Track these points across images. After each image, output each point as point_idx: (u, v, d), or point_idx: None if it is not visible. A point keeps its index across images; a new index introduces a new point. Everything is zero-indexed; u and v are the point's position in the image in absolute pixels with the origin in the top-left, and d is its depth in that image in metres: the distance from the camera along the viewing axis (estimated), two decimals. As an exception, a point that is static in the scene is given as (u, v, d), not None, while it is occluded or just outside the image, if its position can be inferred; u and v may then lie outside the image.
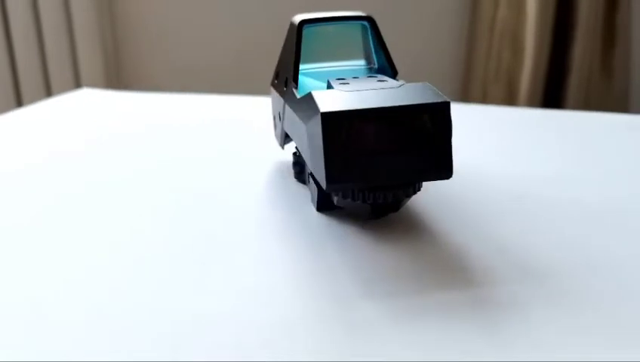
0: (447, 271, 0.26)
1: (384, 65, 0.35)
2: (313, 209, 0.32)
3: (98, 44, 1.30)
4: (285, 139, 0.36)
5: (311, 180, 0.32)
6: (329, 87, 0.30)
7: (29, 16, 1.24)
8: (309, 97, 0.28)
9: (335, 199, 0.29)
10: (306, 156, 0.30)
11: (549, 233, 0.30)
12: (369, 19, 0.34)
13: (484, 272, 0.26)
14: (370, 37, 0.35)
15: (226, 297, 0.24)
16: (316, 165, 0.27)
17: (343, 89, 0.28)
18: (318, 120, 0.26)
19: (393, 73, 0.34)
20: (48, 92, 1.30)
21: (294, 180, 0.36)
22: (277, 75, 0.36)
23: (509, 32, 1.42)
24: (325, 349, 0.21)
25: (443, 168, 0.27)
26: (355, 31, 0.36)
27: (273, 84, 0.37)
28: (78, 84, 1.31)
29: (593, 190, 0.35)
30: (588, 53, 1.42)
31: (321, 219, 0.31)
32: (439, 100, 0.26)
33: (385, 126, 0.26)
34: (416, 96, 0.27)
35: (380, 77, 0.31)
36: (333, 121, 0.26)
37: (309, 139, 0.28)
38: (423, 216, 0.31)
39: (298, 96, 0.31)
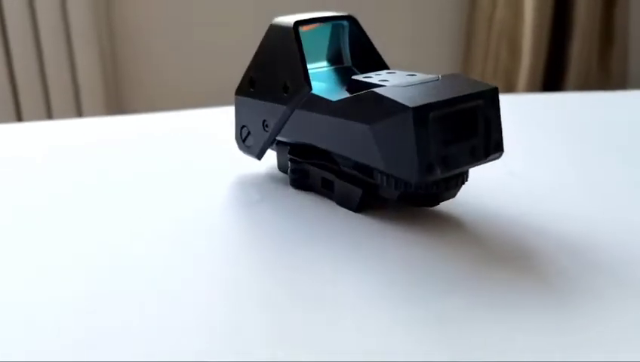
0: (508, 261, 0.27)
1: (369, 64, 0.35)
2: (344, 211, 0.32)
3: (96, 51, 1.30)
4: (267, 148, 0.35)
5: (338, 182, 0.32)
6: (360, 85, 0.30)
7: (27, 21, 1.24)
8: (370, 96, 0.28)
9: (395, 194, 0.30)
10: (361, 157, 0.30)
11: (582, 219, 0.31)
12: (350, 18, 0.35)
13: (543, 260, 0.27)
14: (347, 36, 0.35)
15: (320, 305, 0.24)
16: (394, 162, 0.28)
17: (394, 85, 0.29)
18: (404, 116, 0.27)
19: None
20: (47, 100, 1.30)
21: (289, 187, 0.35)
22: (251, 82, 0.35)
23: (506, 32, 1.43)
24: (406, 348, 0.21)
25: (498, 148, 0.29)
26: (333, 31, 0.35)
27: (247, 93, 0.35)
28: (76, 93, 1.31)
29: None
30: (585, 53, 1.42)
31: (360, 219, 0.31)
32: (491, 87, 0.29)
33: (457, 115, 0.28)
34: (468, 85, 0.29)
35: (403, 72, 0.32)
36: (422, 115, 0.27)
37: (380, 138, 0.28)
38: (453, 209, 0.32)
39: (331, 99, 0.30)
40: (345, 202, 0.32)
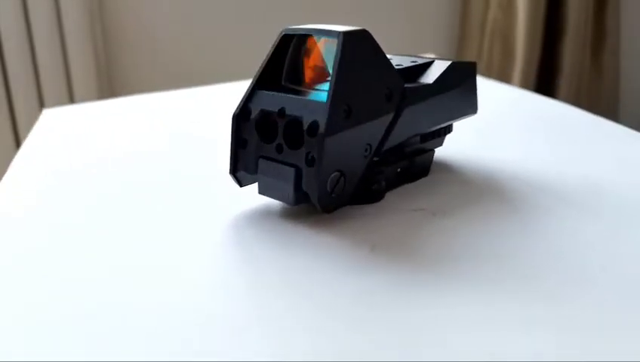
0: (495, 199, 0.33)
1: None
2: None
3: (90, 51, 1.30)
4: None
5: (411, 161, 0.35)
6: (413, 69, 0.35)
7: (20, 20, 1.24)
8: (455, 66, 0.35)
9: (441, 141, 0.37)
10: (448, 119, 0.36)
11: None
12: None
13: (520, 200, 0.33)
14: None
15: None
16: (468, 106, 0.37)
17: (437, 58, 0.36)
18: (474, 69, 0.37)
19: None
20: (40, 101, 1.30)
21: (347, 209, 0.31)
22: (348, 111, 0.28)
23: (499, 33, 1.43)
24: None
25: None
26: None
27: (342, 127, 0.28)
28: (70, 91, 1.31)
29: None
30: (578, 52, 1.43)
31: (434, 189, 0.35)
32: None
33: None
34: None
35: (403, 55, 0.38)
36: None
37: (463, 93, 0.36)
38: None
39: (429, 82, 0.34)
40: (421, 173, 0.36)
